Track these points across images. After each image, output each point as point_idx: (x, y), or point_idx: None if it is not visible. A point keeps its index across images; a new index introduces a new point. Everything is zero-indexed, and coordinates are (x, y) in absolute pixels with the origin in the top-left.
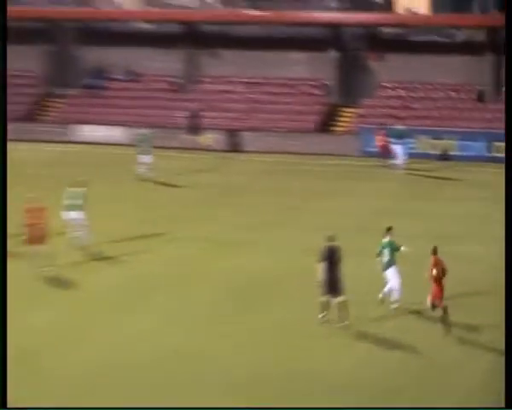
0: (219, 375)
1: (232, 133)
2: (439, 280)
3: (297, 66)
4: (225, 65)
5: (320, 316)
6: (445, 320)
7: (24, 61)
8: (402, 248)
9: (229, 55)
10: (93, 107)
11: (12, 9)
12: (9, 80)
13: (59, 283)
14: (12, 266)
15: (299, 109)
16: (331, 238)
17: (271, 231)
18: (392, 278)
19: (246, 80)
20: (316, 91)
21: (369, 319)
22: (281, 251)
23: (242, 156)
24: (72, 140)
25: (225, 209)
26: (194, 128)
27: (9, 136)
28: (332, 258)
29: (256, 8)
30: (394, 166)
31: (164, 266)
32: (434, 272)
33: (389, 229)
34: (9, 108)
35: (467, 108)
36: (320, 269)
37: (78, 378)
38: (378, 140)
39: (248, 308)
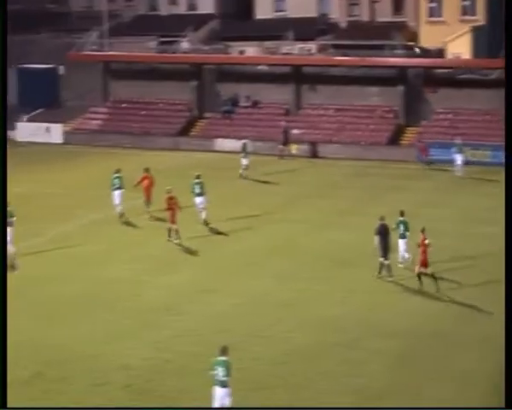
0: (318, 313)
1: (323, 145)
2: (425, 253)
3: (373, 96)
4: (321, 96)
5: (376, 273)
6: (435, 281)
7: (180, 93)
8: (407, 233)
9: (323, 88)
10: (227, 126)
11: (172, 57)
12: (171, 107)
13: (191, 251)
14: (158, 238)
15: (374, 128)
16: (382, 218)
17: (352, 216)
18: (403, 245)
19: (335, 107)
20: (387, 115)
21: (410, 277)
22: (360, 230)
23: (329, 162)
24: (212, 150)
25: (317, 200)
26: (285, 140)
27: (170, 147)
28: (383, 232)
29: (343, 54)
30: (455, 171)
31: (272, 240)
32: (426, 241)
33: (402, 212)
34: (170, 126)
35: (497, 127)
36: (375, 240)
37: (214, 319)
38: (421, 148)
39: (335, 269)
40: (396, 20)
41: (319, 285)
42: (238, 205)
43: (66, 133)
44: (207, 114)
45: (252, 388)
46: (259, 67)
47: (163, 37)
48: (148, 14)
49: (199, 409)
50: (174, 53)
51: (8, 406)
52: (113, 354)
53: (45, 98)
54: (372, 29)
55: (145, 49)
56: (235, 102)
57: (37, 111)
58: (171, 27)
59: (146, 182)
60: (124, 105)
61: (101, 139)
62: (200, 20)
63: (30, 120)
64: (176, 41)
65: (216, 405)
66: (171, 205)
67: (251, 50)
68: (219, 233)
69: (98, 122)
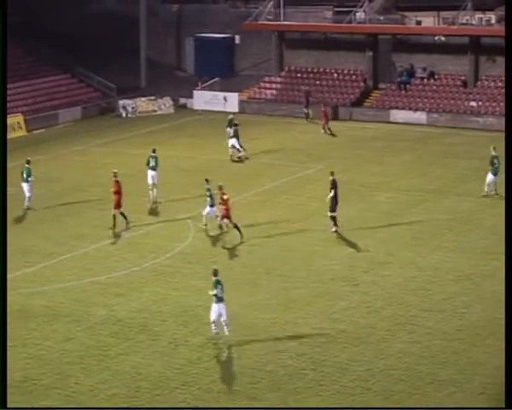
0: (494, 289)
1: (501, 117)
2: (226, 205)
3: None
4: (500, 67)
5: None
6: (239, 230)
7: (355, 64)
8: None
9: (502, 60)
10: (402, 97)
11: (347, 27)
12: (345, 77)
13: (365, 222)
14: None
15: None
16: (332, 173)
17: None
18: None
19: None
20: None
21: None
22: None
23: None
24: (386, 121)
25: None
26: (307, 103)
27: (344, 117)
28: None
29: None
30: None
31: (450, 214)
32: (225, 197)
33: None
34: (345, 96)
35: None
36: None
37: (388, 291)
38: None
39: None
40: None
41: (498, 261)
42: (417, 177)
43: (241, 102)
44: (382, 85)
45: (421, 362)
46: (436, 38)
47: (338, 7)
48: None
49: (206, 409)
50: (349, 23)
51: (8, 406)
52: (286, 322)
53: (221, 67)
54: None
55: (320, 18)
56: (411, 72)
57: (213, 80)
58: None
59: None
60: (298, 75)
61: (275, 109)
62: None
63: (206, 89)
64: (351, 11)
65: (214, 317)
66: (117, 189)
67: (427, 21)
68: (400, 203)
69: (272, 91)
